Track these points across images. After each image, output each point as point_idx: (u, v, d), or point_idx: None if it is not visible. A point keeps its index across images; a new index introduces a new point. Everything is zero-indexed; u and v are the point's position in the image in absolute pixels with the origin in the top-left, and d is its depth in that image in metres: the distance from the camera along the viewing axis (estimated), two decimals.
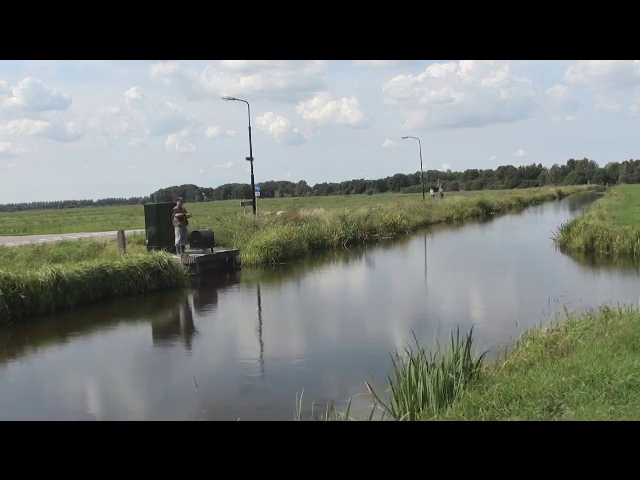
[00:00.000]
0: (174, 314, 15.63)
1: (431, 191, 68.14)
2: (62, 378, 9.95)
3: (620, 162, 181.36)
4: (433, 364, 6.25)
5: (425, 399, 5.91)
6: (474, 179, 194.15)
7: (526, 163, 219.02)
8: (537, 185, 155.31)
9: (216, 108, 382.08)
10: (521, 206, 65.92)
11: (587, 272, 18.46)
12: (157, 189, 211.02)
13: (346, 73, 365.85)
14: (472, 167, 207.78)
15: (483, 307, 13.93)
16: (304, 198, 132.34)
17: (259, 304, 16.05)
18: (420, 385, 6.00)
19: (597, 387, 5.14)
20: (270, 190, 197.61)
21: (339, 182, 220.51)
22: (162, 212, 20.63)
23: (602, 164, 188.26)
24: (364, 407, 6.06)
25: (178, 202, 20.44)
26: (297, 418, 5.79)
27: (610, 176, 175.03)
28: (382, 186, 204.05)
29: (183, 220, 20.12)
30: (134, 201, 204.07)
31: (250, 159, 32.35)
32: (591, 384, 5.21)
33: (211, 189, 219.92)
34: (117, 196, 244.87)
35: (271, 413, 6.97)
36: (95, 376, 9.92)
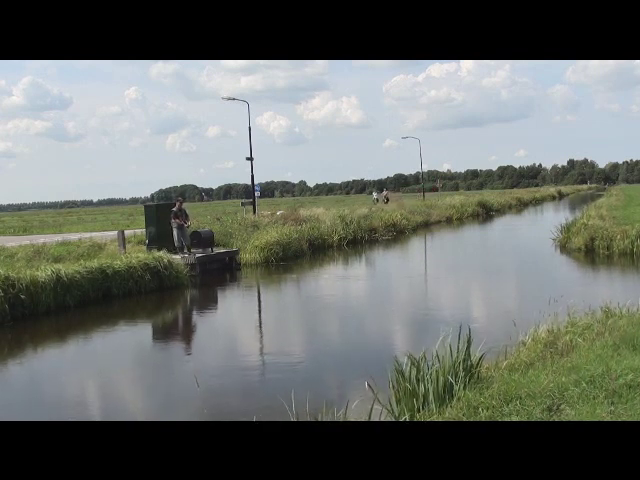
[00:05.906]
0: (174, 314, 15.63)
1: (374, 194, 61.28)
2: (62, 378, 9.94)
3: (620, 162, 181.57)
4: (433, 364, 6.25)
5: (425, 399, 5.91)
6: (474, 179, 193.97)
7: (526, 163, 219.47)
8: (537, 185, 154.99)
9: (217, 108, 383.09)
10: (521, 206, 65.92)
11: (587, 272, 18.45)
12: (157, 189, 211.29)
13: (346, 73, 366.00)
14: (472, 167, 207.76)
15: (483, 307, 13.93)
16: (304, 198, 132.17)
17: (259, 304, 16.06)
18: (420, 385, 6.00)
19: (597, 387, 5.13)
20: (270, 190, 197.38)
21: (339, 182, 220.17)
22: (162, 212, 20.60)
23: (602, 164, 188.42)
24: (364, 407, 6.05)
25: (177, 203, 20.38)
26: (296, 418, 5.78)
27: (610, 176, 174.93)
28: (382, 186, 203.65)
29: (180, 223, 19.99)
30: (134, 201, 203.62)
31: (250, 159, 32.38)
32: (591, 384, 5.21)
33: (211, 189, 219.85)
34: (117, 196, 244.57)
35: (271, 413, 6.96)
36: (95, 376, 9.91)
